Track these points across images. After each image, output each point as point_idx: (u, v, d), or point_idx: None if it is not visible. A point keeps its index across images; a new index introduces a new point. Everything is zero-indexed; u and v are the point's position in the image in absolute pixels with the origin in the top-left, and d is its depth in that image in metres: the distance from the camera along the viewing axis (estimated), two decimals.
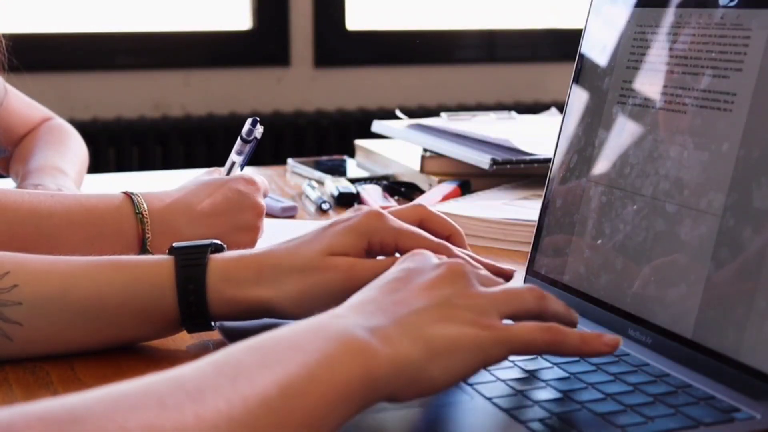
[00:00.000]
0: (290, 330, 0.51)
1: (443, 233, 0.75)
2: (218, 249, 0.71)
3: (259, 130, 0.97)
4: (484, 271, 0.61)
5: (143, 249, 0.83)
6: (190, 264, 0.68)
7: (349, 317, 0.53)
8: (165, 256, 0.70)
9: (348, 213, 0.72)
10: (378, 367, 0.50)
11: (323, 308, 0.68)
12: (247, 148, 0.97)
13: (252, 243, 0.90)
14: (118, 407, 0.43)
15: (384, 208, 0.75)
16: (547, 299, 0.59)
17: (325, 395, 0.48)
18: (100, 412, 0.43)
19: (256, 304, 0.68)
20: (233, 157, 0.97)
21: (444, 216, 0.77)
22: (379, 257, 0.71)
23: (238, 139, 0.97)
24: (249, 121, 0.97)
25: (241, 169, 0.98)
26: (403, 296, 0.55)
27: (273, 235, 0.96)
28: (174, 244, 0.70)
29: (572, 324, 0.60)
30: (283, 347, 0.49)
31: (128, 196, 0.85)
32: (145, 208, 0.84)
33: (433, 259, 0.60)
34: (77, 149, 1.27)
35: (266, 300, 0.68)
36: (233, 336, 0.70)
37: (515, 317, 0.58)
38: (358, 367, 0.49)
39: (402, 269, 0.59)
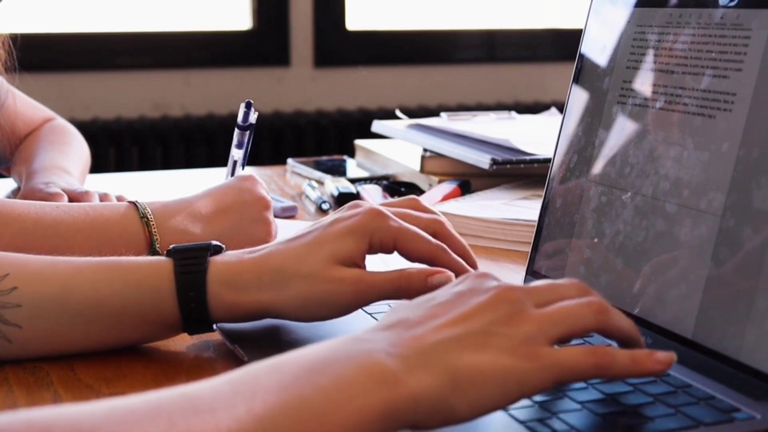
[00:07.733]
0: (313, 351, 0.50)
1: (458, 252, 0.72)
2: (217, 250, 0.70)
3: (255, 113, 0.96)
4: (544, 285, 0.56)
5: (152, 251, 0.83)
6: (190, 270, 0.67)
7: (374, 341, 0.51)
8: (164, 259, 0.69)
9: (347, 210, 0.71)
10: (398, 397, 0.48)
11: (326, 316, 0.68)
12: (246, 137, 0.96)
13: (267, 236, 0.88)
14: (125, 422, 0.43)
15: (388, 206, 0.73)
16: (609, 313, 0.54)
17: (342, 422, 0.46)
18: (105, 427, 0.42)
19: (257, 308, 0.68)
20: (234, 153, 0.97)
21: (461, 239, 0.74)
22: (385, 270, 0.69)
23: (236, 130, 0.96)
24: (243, 105, 0.96)
25: (243, 168, 0.97)
26: (440, 323, 0.52)
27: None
28: (172, 247, 0.69)
29: (636, 346, 0.56)
30: (303, 369, 0.48)
31: (132, 203, 0.85)
32: (150, 212, 0.84)
33: (490, 282, 0.55)
34: (80, 149, 1.27)
35: (267, 304, 0.67)
36: (233, 336, 0.70)
37: (573, 337, 0.54)
38: (378, 396, 0.47)
39: (453, 292, 0.55)
